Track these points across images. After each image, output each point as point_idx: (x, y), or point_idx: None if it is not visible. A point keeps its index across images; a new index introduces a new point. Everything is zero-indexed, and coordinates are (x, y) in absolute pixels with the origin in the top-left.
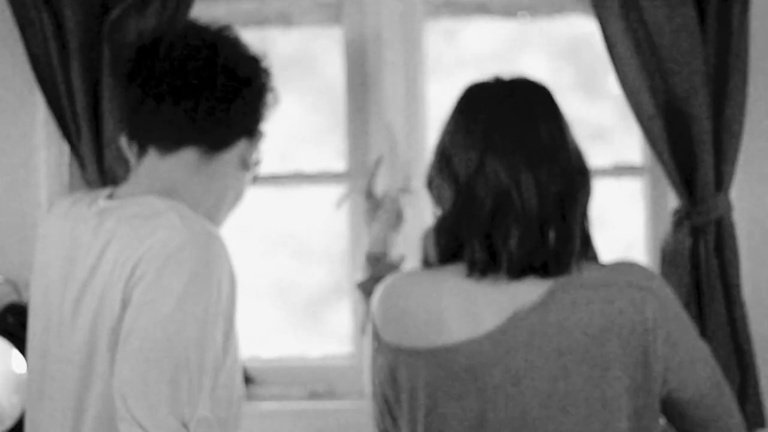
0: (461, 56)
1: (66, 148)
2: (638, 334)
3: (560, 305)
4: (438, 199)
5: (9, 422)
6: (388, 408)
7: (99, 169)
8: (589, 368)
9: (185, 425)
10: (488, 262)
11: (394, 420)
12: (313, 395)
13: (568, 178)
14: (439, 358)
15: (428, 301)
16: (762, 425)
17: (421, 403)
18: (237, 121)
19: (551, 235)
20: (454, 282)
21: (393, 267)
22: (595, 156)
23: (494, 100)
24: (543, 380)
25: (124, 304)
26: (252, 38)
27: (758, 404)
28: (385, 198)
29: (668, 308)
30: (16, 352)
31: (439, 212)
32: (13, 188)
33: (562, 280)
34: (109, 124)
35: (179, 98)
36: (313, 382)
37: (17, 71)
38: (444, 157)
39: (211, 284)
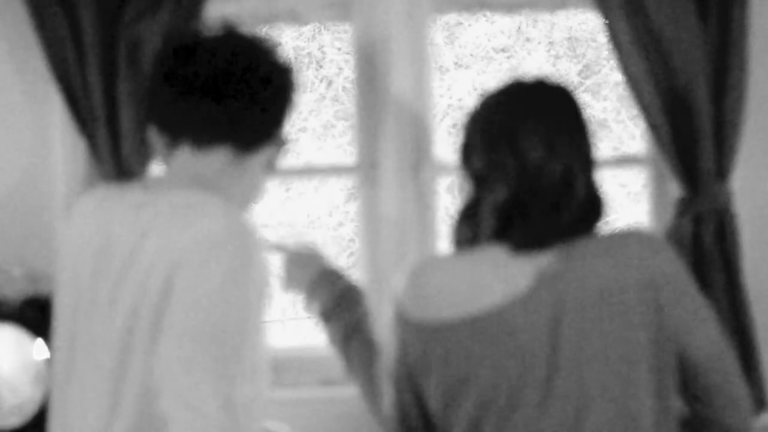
0: (464, 50)
1: (82, 142)
2: (650, 289)
3: (577, 266)
4: (462, 193)
5: (30, 411)
6: (412, 388)
7: (115, 163)
8: (609, 324)
9: (228, 405)
10: (522, 240)
11: (419, 400)
12: (326, 382)
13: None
14: (474, 326)
15: (460, 275)
16: (764, 408)
17: (455, 376)
18: (270, 126)
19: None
20: (483, 257)
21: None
22: (598, 148)
23: (518, 99)
24: (566, 340)
25: (166, 292)
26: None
27: (760, 389)
28: None
29: (676, 268)
30: (36, 342)
31: (459, 201)
32: (30, 182)
33: (577, 243)
34: (125, 118)
35: (221, 97)
36: (326, 370)
37: (34, 67)
38: (470, 148)
39: (250, 273)
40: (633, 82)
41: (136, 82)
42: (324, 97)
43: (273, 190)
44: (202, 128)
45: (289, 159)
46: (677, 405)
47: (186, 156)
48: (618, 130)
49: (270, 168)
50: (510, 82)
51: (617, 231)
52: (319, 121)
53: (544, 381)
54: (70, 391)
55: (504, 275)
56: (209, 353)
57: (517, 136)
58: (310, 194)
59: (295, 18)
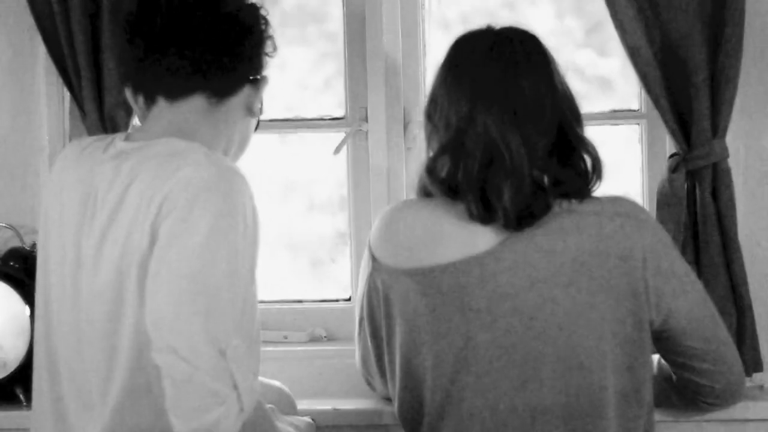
0: (467, 8)
1: (66, 94)
2: (627, 261)
3: (549, 231)
4: (429, 143)
5: (13, 365)
6: (374, 330)
7: (99, 116)
8: (575, 293)
9: (221, 352)
10: (485, 215)
11: (379, 342)
12: (313, 339)
13: (558, 128)
14: (429, 278)
15: (426, 225)
16: (759, 369)
17: (411, 324)
18: (241, 68)
19: (546, 183)
20: (452, 212)
21: None
22: (597, 106)
23: (481, 53)
24: (527, 303)
25: (152, 240)
26: None
27: (755, 348)
28: None
29: (658, 237)
30: (18, 295)
31: (430, 155)
32: (14, 135)
33: (560, 211)
34: (109, 71)
35: (183, 48)
36: (313, 326)
37: (18, 20)
38: (435, 104)
39: (237, 218)
40: (628, 37)
41: (119, 35)
42: (317, 53)
43: (260, 145)
44: (172, 82)
45: (280, 112)
46: (653, 374)
47: (162, 108)
48: (623, 88)
49: (251, 113)
50: (481, 30)
51: (603, 200)
52: (320, 77)
53: (498, 341)
54: (59, 344)
55: (469, 232)
56: (200, 301)
57: (486, 89)
58: (299, 148)
59: None
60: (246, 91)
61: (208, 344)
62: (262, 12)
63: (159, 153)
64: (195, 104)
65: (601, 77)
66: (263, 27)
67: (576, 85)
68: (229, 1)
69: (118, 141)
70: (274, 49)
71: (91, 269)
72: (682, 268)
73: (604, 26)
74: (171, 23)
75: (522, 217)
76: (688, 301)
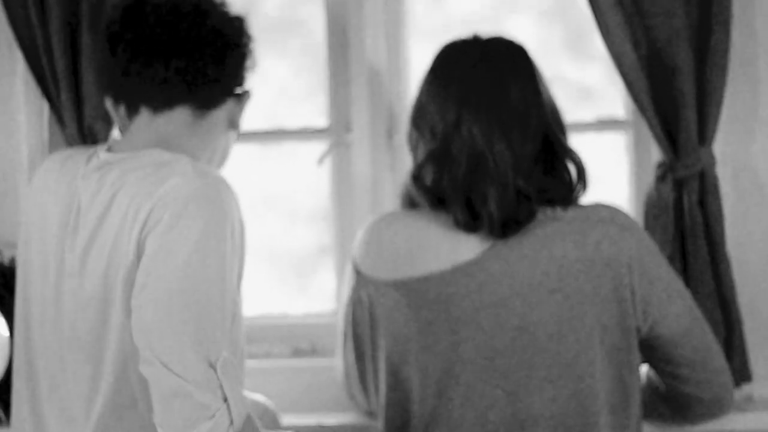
0: (449, 17)
1: (45, 106)
2: (613, 268)
3: (535, 239)
4: (414, 151)
5: None
6: (358, 344)
7: (79, 126)
8: (561, 300)
9: (211, 365)
10: (471, 223)
11: (363, 356)
12: (297, 353)
13: (543, 136)
14: (415, 289)
15: (410, 236)
16: (748, 379)
17: (397, 336)
18: (226, 81)
19: (531, 191)
20: (436, 222)
21: None
22: (582, 114)
23: (468, 61)
24: (514, 312)
25: (139, 251)
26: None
27: (743, 358)
28: None
29: (643, 245)
30: None
31: (415, 163)
32: None
33: (545, 219)
34: (88, 82)
35: (170, 58)
36: (297, 340)
37: None
38: (421, 111)
39: (225, 229)
40: (613, 44)
41: (100, 45)
42: (299, 63)
43: (243, 156)
44: (157, 93)
45: (263, 126)
46: (642, 385)
47: (146, 119)
48: (608, 96)
49: (233, 125)
50: (467, 38)
51: (589, 207)
52: (301, 87)
53: (485, 351)
54: (39, 360)
55: (453, 242)
56: (189, 313)
57: (469, 96)
58: (282, 159)
59: None
60: (230, 104)
61: (198, 356)
62: (246, 25)
63: (144, 164)
64: (179, 116)
65: (585, 85)
66: (247, 42)
67: (560, 92)
68: (215, 14)
69: (101, 152)
70: (255, 64)
71: (75, 281)
72: (669, 274)
73: (588, 33)
74: (157, 33)
75: (507, 224)
76: (675, 308)
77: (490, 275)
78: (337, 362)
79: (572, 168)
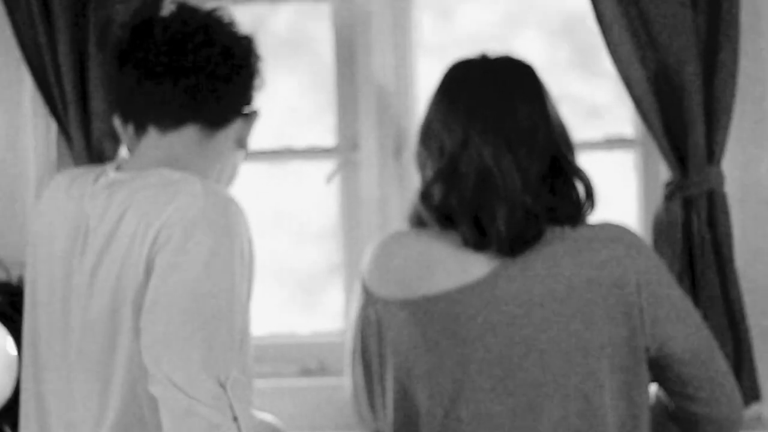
0: (457, 35)
1: (53, 124)
2: (621, 287)
3: (544, 258)
4: (422, 169)
5: (0, 402)
6: (367, 363)
7: (86, 145)
8: (570, 319)
9: (221, 385)
10: (479, 241)
11: (372, 375)
12: (305, 372)
13: (551, 155)
14: (423, 308)
15: (419, 254)
16: (757, 398)
17: (405, 356)
18: (234, 100)
19: (539, 210)
20: (444, 241)
21: None
22: (590, 133)
23: (476, 80)
24: (523, 331)
25: (148, 270)
26: (242, 16)
27: (753, 377)
28: None
29: (652, 264)
30: (5, 331)
31: (424, 182)
32: (0, 166)
33: (553, 237)
34: (96, 100)
35: (178, 77)
36: (305, 359)
37: (3, 49)
38: (429, 130)
39: (235, 248)
40: (622, 64)
41: (108, 63)
42: (305, 80)
43: (251, 175)
44: (166, 112)
45: (270, 144)
46: (651, 404)
47: (154, 138)
48: (616, 114)
49: (241, 145)
50: (476, 57)
51: (596, 226)
52: (309, 106)
53: (494, 370)
54: (47, 379)
55: (461, 261)
56: (199, 332)
57: (476, 114)
58: (290, 178)
59: None
60: (238, 123)
61: (208, 375)
62: (254, 45)
63: (153, 183)
64: (187, 135)
65: (593, 103)
66: (255, 60)
67: (568, 110)
68: (224, 33)
69: (109, 171)
70: (263, 84)
71: (84, 301)
72: (677, 293)
73: (596, 51)
74: (166, 52)
75: (515, 243)
76: (684, 328)
77: (498, 294)
78: (345, 381)
79: (580, 187)
